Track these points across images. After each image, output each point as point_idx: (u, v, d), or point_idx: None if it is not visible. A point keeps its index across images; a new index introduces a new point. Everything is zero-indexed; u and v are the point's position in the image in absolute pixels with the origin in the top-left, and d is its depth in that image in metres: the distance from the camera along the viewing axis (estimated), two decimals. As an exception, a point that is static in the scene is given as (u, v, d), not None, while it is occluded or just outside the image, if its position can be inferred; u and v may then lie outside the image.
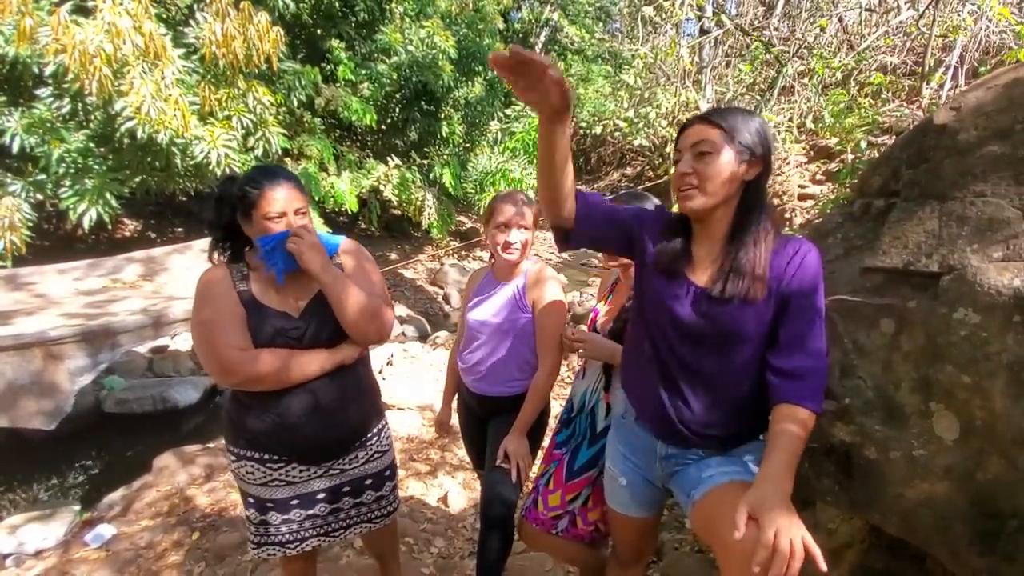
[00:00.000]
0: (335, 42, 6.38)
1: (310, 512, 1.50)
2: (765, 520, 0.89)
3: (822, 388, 1.06)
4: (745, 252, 1.07)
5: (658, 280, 1.19)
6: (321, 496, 1.51)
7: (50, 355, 2.62)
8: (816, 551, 0.86)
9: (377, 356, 4.74)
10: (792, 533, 0.86)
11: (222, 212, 1.37)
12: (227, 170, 4.15)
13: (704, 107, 7.43)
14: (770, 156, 1.10)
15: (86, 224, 4.23)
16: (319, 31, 6.71)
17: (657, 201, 1.62)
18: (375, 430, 1.58)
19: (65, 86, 4.10)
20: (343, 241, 1.52)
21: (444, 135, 7.29)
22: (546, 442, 1.85)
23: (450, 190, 7.10)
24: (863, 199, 1.39)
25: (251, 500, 1.49)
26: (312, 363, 1.36)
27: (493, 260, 1.84)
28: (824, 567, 0.86)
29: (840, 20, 7.44)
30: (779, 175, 6.36)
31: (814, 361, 1.05)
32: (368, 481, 1.58)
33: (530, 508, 1.64)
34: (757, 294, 1.06)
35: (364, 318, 1.39)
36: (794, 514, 0.90)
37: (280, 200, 1.32)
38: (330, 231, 6.15)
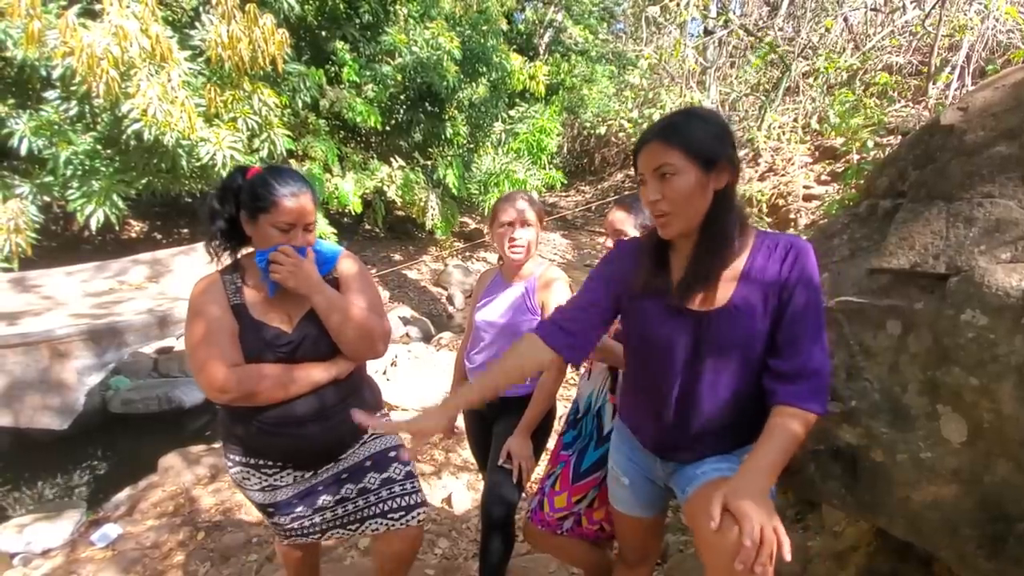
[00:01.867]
0: (340, 44, 6.40)
1: (317, 505, 1.47)
2: (737, 510, 0.89)
3: (823, 389, 1.02)
4: (706, 261, 1.04)
5: (640, 302, 1.15)
6: (322, 488, 1.46)
7: (57, 353, 2.64)
8: (785, 540, 0.87)
9: (381, 358, 4.75)
10: (764, 522, 0.87)
11: (226, 205, 1.32)
12: (243, 164, 4.17)
13: (708, 107, 7.41)
14: (736, 158, 1.04)
15: (93, 226, 4.25)
16: (324, 33, 6.73)
17: None
18: None
19: (73, 88, 4.13)
20: (342, 253, 1.47)
21: (448, 136, 7.29)
22: (552, 443, 1.85)
23: (454, 191, 7.11)
24: (869, 200, 1.39)
25: (255, 504, 1.49)
26: (304, 379, 1.33)
27: (501, 261, 1.85)
28: (789, 556, 0.87)
29: (845, 20, 7.41)
30: (784, 175, 6.34)
31: (812, 361, 1.01)
32: (368, 463, 1.48)
33: (536, 510, 1.63)
34: (712, 303, 1.04)
35: (357, 337, 1.36)
36: (768, 505, 0.91)
37: (293, 211, 1.28)
38: (336, 233, 6.08)
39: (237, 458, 1.42)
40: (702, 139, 1.00)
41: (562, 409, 1.92)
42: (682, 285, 1.07)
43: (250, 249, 1.41)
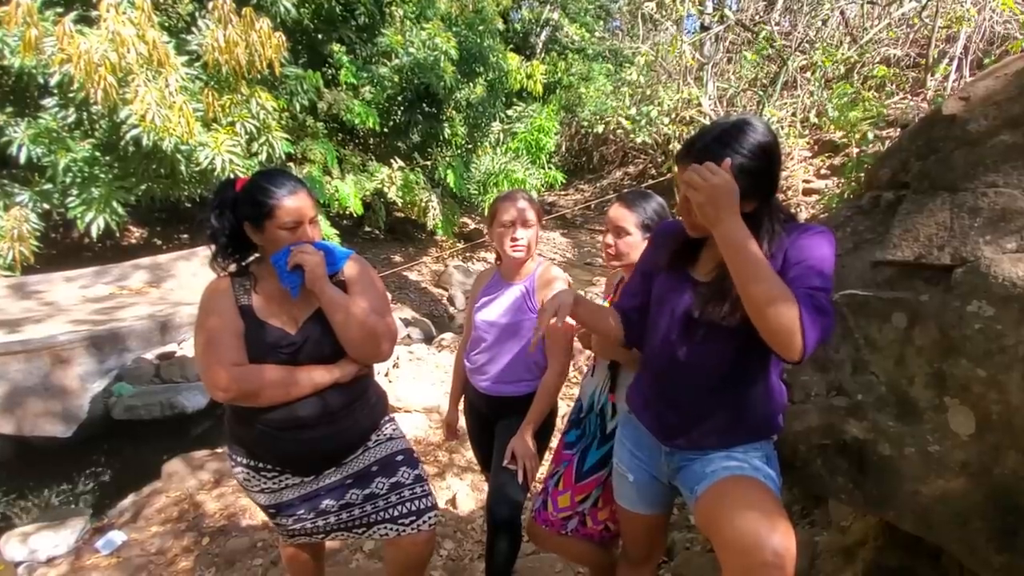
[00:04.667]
0: (336, 46, 6.40)
1: (319, 509, 1.46)
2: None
3: (821, 331, 0.95)
4: (726, 282, 1.05)
5: (662, 280, 1.22)
6: (324, 493, 1.45)
7: (59, 360, 2.63)
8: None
9: (387, 360, 4.74)
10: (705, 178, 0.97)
11: (225, 220, 1.33)
12: (231, 175, 4.17)
13: (706, 104, 7.40)
14: (770, 182, 1.06)
15: (94, 233, 4.25)
16: (320, 35, 6.73)
17: (661, 200, 1.61)
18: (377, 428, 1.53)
19: (71, 95, 4.13)
20: (351, 255, 1.48)
21: (446, 137, 7.29)
22: (555, 442, 1.84)
23: (454, 190, 7.11)
24: (872, 192, 1.38)
25: (259, 505, 1.49)
26: (306, 381, 1.33)
27: (499, 261, 1.84)
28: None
29: (842, 13, 7.40)
30: (783, 170, 6.33)
31: (824, 308, 0.96)
32: (375, 468, 1.47)
33: (539, 509, 1.62)
34: (732, 322, 1.05)
35: (362, 337, 1.36)
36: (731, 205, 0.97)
37: (297, 210, 1.30)
38: (338, 235, 6.06)
39: (241, 460, 1.42)
40: (734, 174, 1.02)
41: (564, 408, 1.91)
42: (703, 297, 1.11)
43: (256, 256, 1.42)
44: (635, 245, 1.55)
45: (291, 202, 1.29)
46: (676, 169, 1.13)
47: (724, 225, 0.97)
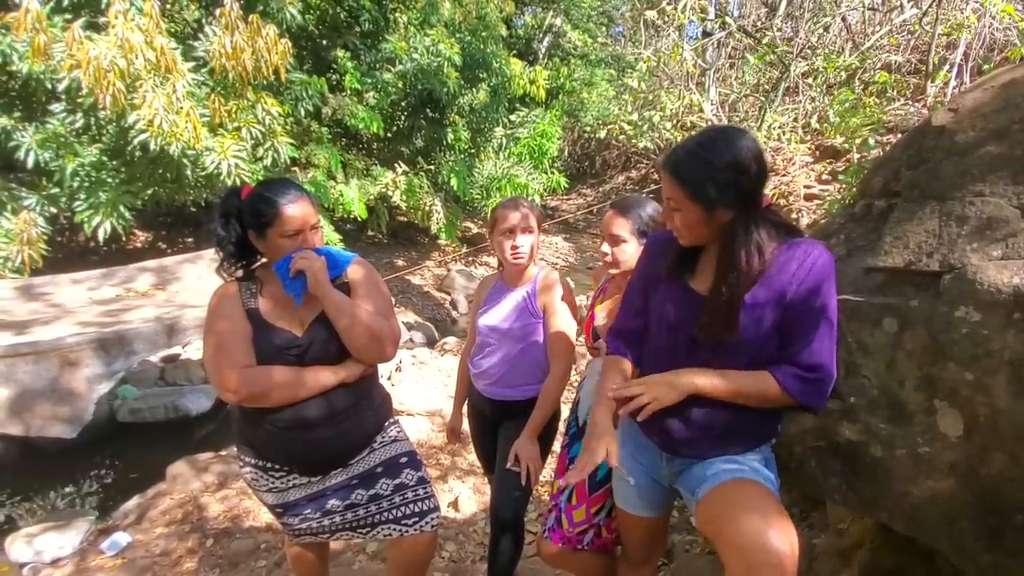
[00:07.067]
0: (341, 52, 6.47)
1: (325, 509, 1.49)
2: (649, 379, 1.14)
3: (820, 385, 1.08)
4: (721, 295, 1.07)
5: (661, 292, 1.22)
6: (331, 493, 1.48)
7: (67, 362, 2.67)
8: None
9: (391, 360, 4.76)
10: (656, 392, 1.10)
11: (231, 228, 1.37)
12: (237, 180, 4.21)
13: (708, 109, 7.43)
14: (746, 196, 1.06)
15: (100, 237, 4.30)
16: (325, 42, 6.81)
17: (656, 204, 1.63)
18: (382, 431, 1.56)
19: (79, 101, 4.19)
20: (354, 258, 1.50)
21: (450, 142, 7.34)
22: (558, 447, 1.86)
23: (457, 195, 7.15)
24: (864, 200, 1.41)
25: (266, 504, 1.52)
26: (313, 382, 1.36)
27: (502, 267, 1.87)
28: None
29: (844, 20, 7.44)
30: (785, 175, 6.36)
31: (813, 357, 1.06)
32: (380, 469, 1.50)
33: (553, 528, 1.55)
34: (728, 336, 1.08)
35: (366, 340, 1.39)
36: (670, 389, 1.10)
37: (297, 218, 1.33)
38: (341, 240, 6.09)
39: (249, 460, 1.45)
40: (704, 185, 1.04)
41: (566, 412, 1.93)
42: (702, 323, 1.11)
43: (263, 261, 1.46)
44: (632, 252, 1.57)
45: (291, 210, 1.33)
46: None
47: (691, 389, 1.09)
